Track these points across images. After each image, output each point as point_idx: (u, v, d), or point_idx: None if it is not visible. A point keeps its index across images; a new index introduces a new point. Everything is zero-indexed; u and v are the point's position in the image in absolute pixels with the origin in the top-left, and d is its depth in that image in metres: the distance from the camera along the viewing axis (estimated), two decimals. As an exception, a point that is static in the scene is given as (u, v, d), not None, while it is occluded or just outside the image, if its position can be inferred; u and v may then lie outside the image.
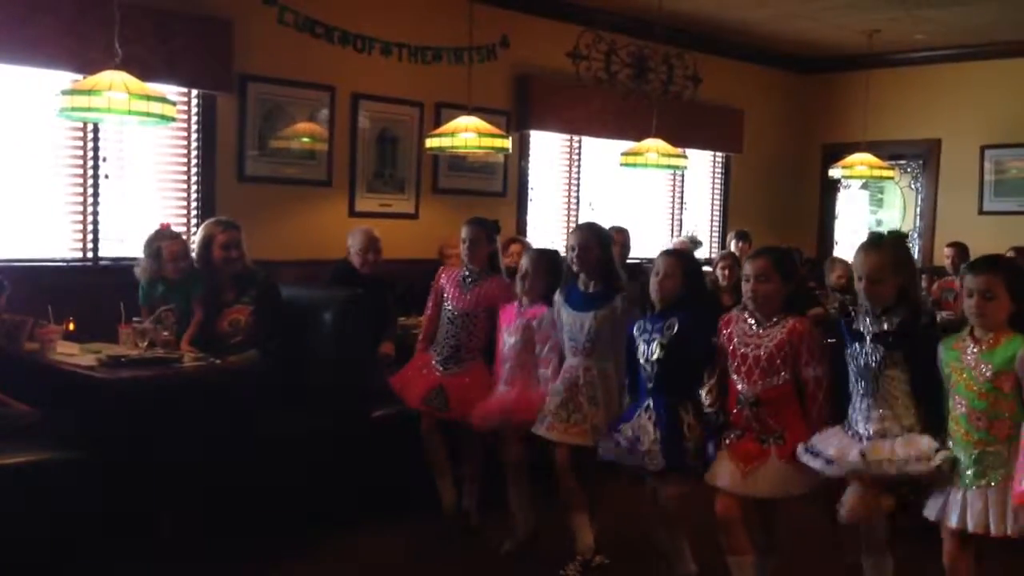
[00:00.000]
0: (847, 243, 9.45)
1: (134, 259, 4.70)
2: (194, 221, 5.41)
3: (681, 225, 8.57)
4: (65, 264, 5.02)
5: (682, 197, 8.60)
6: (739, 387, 3.46)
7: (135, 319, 4.43)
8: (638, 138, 6.72)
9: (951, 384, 3.05)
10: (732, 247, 7.88)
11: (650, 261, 7.44)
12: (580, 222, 4.16)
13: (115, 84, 3.74)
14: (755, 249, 3.78)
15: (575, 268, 4.01)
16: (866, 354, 3.21)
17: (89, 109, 3.84)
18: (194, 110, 5.47)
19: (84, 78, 4.11)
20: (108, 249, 5.11)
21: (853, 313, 3.37)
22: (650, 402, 3.62)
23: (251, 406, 4.21)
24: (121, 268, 4.78)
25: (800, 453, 3.30)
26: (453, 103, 6.16)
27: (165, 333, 4.32)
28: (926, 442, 3.07)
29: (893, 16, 7.16)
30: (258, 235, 5.22)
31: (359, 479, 4.47)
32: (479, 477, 4.46)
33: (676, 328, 3.59)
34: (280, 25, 5.57)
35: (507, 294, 4.32)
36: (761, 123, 8.90)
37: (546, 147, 7.42)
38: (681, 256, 3.83)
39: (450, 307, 4.43)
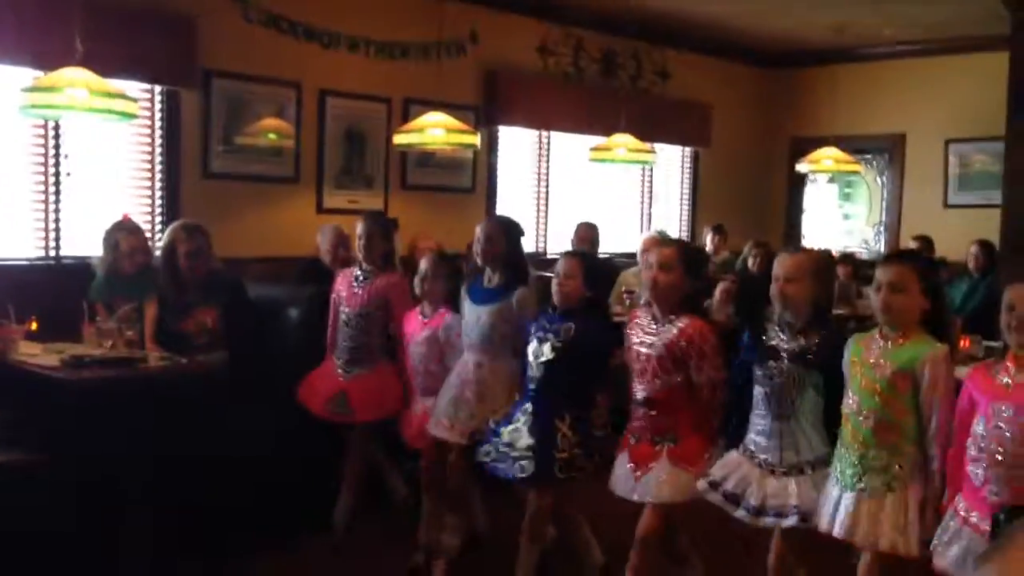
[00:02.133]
0: (814, 236, 9.53)
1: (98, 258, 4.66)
2: (159, 219, 5.36)
3: (650, 220, 8.60)
4: (27, 263, 4.96)
5: (651, 192, 8.63)
6: (634, 386, 3.35)
7: (97, 319, 4.38)
8: (607, 133, 6.74)
9: (848, 379, 2.89)
10: (708, 241, 7.93)
11: (623, 255, 7.54)
12: (490, 215, 4.05)
13: (76, 81, 3.70)
14: (664, 238, 3.69)
15: (479, 261, 3.87)
16: (780, 372, 3.03)
17: (50, 107, 3.80)
18: (158, 107, 5.41)
19: (45, 75, 4.05)
20: (70, 248, 5.05)
21: (765, 327, 3.16)
22: (530, 406, 3.53)
23: (218, 404, 4.17)
24: (84, 267, 4.72)
25: (701, 487, 3.16)
26: (421, 99, 6.14)
27: (129, 332, 4.27)
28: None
29: (860, 11, 7.21)
30: (224, 232, 5.18)
31: (329, 475, 4.44)
32: (362, 480, 4.37)
33: (573, 332, 3.48)
34: (245, 21, 5.52)
35: (401, 287, 4.23)
36: (729, 118, 8.94)
37: (515, 142, 7.41)
38: (584, 258, 3.71)
39: (345, 309, 4.30)
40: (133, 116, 4.08)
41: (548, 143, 7.62)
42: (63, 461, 3.79)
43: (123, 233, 4.56)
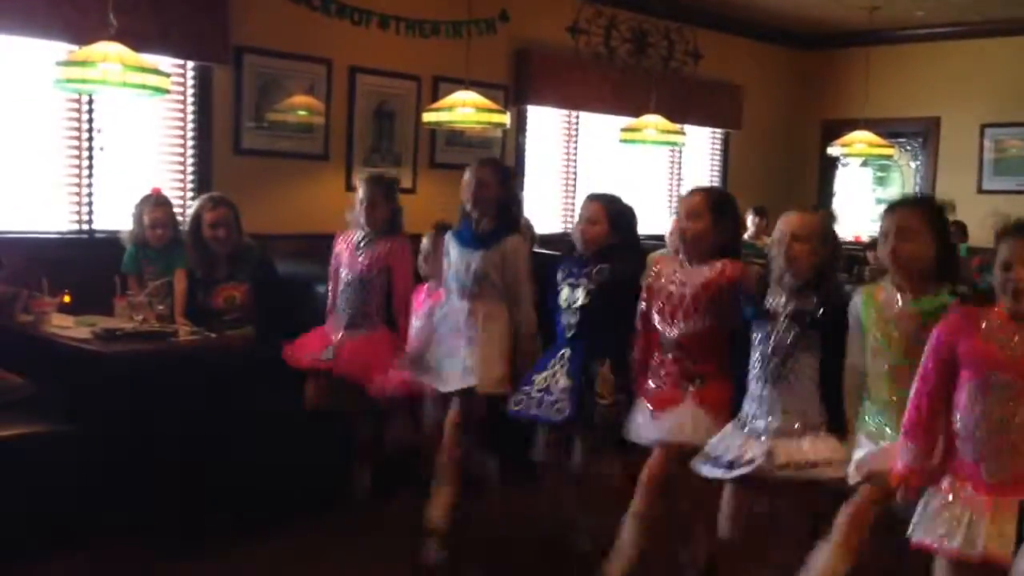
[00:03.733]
0: (846, 221, 9.44)
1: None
2: (190, 194, 5.39)
3: (679, 200, 8.53)
4: (60, 236, 5.00)
5: (680, 173, 8.58)
6: (660, 328, 3.26)
7: (129, 292, 4.43)
8: (637, 114, 6.69)
9: (870, 340, 2.74)
10: (749, 223, 7.85)
11: (651, 237, 7.49)
12: (482, 159, 3.90)
13: (109, 56, 3.71)
14: (692, 187, 3.55)
15: (468, 205, 3.76)
16: (778, 334, 2.95)
17: (83, 81, 3.81)
18: (190, 82, 5.43)
19: (79, 49, 4.07)
20: (103, 222, 5.09)
21: (765, 288, 3.07)
22: (567, 351, 3.46)
23: (246, 381, 4.20)
24: (116, 241, 4.76)
25: (697, 464, 3.05)
26: (451, 77, 6.12)
27: (160, 307, 4.31)
28: (834, 444, 2.84)
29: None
30: (254, 209, 5.20)
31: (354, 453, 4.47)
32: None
33: (606, 275, 3.41)
34: (277, -3, 5.53)
35: (403, 253, 4.12)
36: (760, 99, 8.86)
37: (544, 122, 7.38)
38: (607, 200, 3.59)
39: (344, 272, 4.23)
40: (166, 91, 4.09)
41: (577, 123, 7.58)
42: (93, 433, 3.84)
43: (148, 206, 4.60)
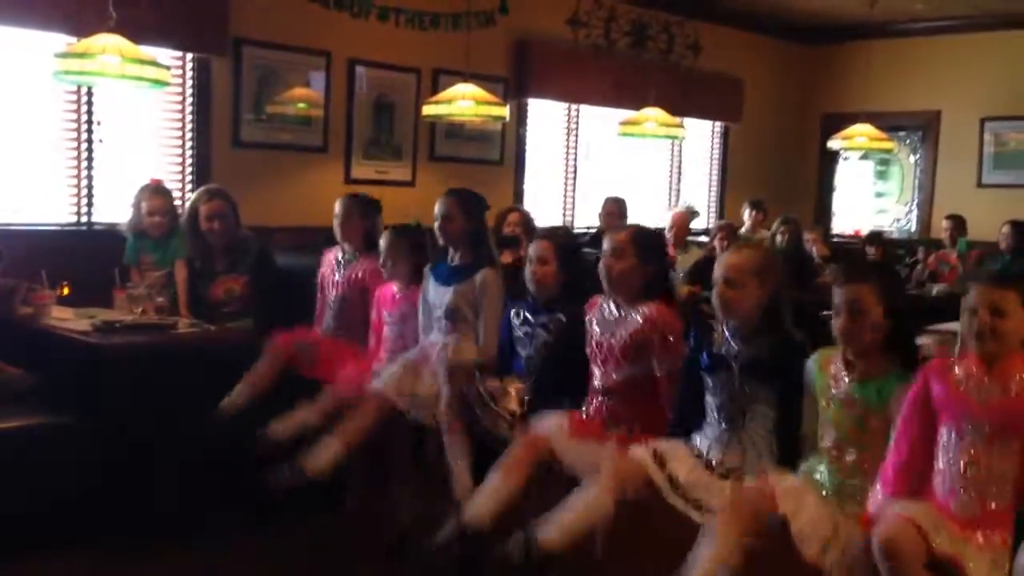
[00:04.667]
0: (845, 215, 9.44)
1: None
2: (189, 187, 5.39)
3: (679, 195, 8.55)
4: (59, 228, 5.00)
5: (680, 167, 8.57)
6: (594, 375, 3.15)
7: (129, 284, 4.43)
8: (636, 107, 6.69)
9: (818, 407, 2.66)
10: (746, 217, 7.84)
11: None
12: (449, 190, 3.86)
13: (108, 48, 3.70)
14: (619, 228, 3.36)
15: (440, 240, 3.74)
16: (732, 385, 2.80)
17: (82, 73, 3.81)
18: (188, 74, 5.42)
19: (78, 41, 4.06)
20: (102, 214, 5.09)
21: (712, 333, 2.93)
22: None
23: (244, 371, 4.20)
24: (115, 233, 4.76)
25: (643, 457, 2.85)
26: (450, 69, 6.11)
27: (160, 299, 4.32)
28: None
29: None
30: (253, 201, 5.20)
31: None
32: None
33: (562, 324, 3.31)
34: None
35: (380, 274, 4.05)
36: (760, 93, 8.85)
37: (544, 115, 7.38)
38: (555, 237, 3.46)
39: (332, 294, 4.22)
40: (165, 83, 4.09)
41: (577, 116, 7.57)
42: (92, 425, 3.84)
43: (147, 194, 4.61)
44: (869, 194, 9.37)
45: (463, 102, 5.48)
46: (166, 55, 5.03)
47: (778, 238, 7.08)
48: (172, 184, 5.28)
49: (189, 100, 5.44)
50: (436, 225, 3.73)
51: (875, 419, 2.55)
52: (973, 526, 2.35)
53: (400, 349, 3.88)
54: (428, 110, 5.69)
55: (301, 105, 5.89)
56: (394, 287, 3.97)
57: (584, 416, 3.21)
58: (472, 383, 3.42)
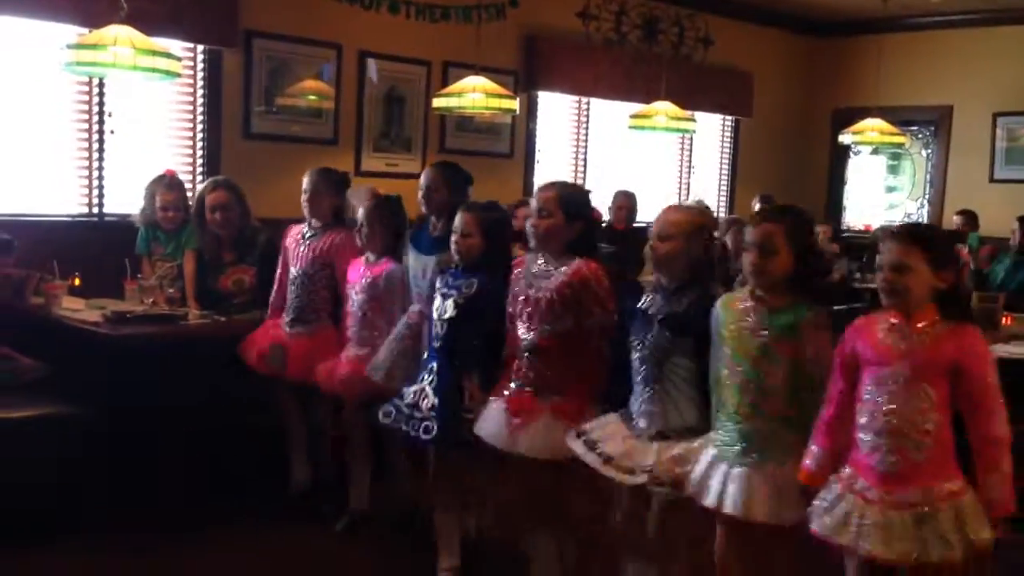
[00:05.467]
0: (856, 210, 9.41)
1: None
2: (199, 178, 5.40)
3: (689, 189, 8.53)
4: (71, 219, 5.02)
5: (690, 161, 8.55)
6: (520, 332, 3.19)
7: (139, 275, 4.45)
8: (647, 100, 6.67)
9: (725, 348, 2.72)
10: (755, 211, 7.80)
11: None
12: (434, 163, 3.84)
13: (120, 39, 3.70)
14: (544, 183, 3.39)
15: (423, 208, 3.77)
16: (652, 338, 2.88)
17: (94, 64, 3.81)
18: (199, 66, 5.43)
19: (90, 32, 4.07)
20: (113, 205, 5.11)
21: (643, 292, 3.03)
22: (435, 364, 3.40)
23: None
24: (126, 224, 4.78)
25: (571, 439, 3.00)
26: (461, 62, 6.10)
27: (170, 290, 4.34)
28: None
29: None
30: (263, 193, 5.22)
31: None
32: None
33: (475, 288, 3.34)
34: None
35: (349, 247, 4.00)
36: (772, 87, 8.82)
37: (554, 108, 7.37)
38: (480, 212, 3.46)
39: (292, 269, 4.15)
40: (176, 75, 4.09)
41: (587, 109, 7.56)
42: (102, 414, 3.86)
43: (161, 187, 4.62)
44: (880, 189, 9.33)
45: (473, 95, 5.47)
46: (177, 47, 5.03)
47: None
48: (183, 176, 5.28)
49: (200, 92, 5.45)
50: (420, 195, 3.76)
51: (782, 348, 2.63)
52: (898, 481, 2.41)
53: (363, 321, 3.85)
54: (438, 103, 5.68)
55: (311, 97, 5.90)
56: (363, 258, 3.91)
57: (511, 390, 3.21)
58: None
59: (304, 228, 4.18)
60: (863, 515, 2.41)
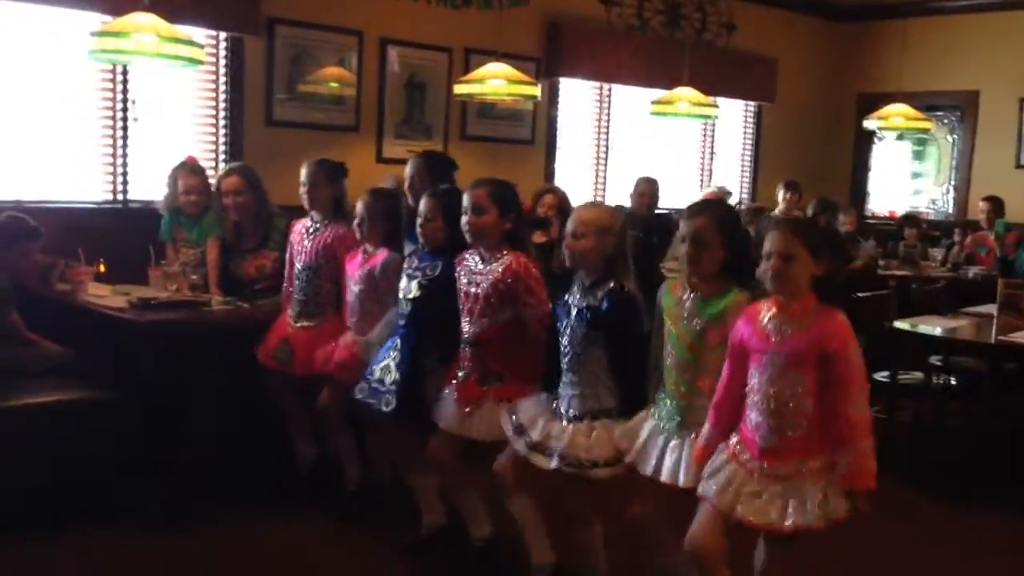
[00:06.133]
0: (880, 196, 9.33)
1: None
2: (222, 165, 5.42)
3: (711, 175, 8.49)
4: (96, 206, 5.06)
5: (712, 147, 8.51)
6: (463, 326, 3.36)
7: (163, 262, 4.48)
8: (669, 86, 6.64)
9: (665, 331, 2.93)
10: (779, 198, 7.77)
11: (678, 212, 7.44)
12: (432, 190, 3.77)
13: (144, 27, 3.72)
14: (474, 180, 3.51)
15: (409, 200, 3.84)
16: (571, 328, 3.05)
17: (118, 51, 3.83)
18: (222, 53, 5.46)
19: (113, 20, 4.09)
20: (137, 192, 5.14)
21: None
22: (398, 342, 3.54)
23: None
24: (150, 211, 4.81)
25: (504, 421, 3.19)
26: (482, 49, 6.09)
27: (194, 276, 4.37)
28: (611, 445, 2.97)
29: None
30: (285, 179, 5.20)
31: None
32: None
33: (439, 271, 3.48)
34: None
35: (351, 240, 4.00)
36: (795, 72, 8.75)
37: (576, 94, 7.34)
38: (441, 198, 3.55)
39: (297, 260, 4.16)
40: (200, 62, 4.11)
41: (609, 95, 7.53)
42: (129, 399, 3.90)
43: (183, 172, 4.64)
44: (905, 175, 9.25)
45: (495, 81, 5.47)
46: (200, 34, 5.06)
47: (821, 222, 6.98)
48: (206, 162, 5.32)
49: (223, 79, 5.47)
50: (406, 185, 3.78)
51: (712, 334, 2.82)
52: (775, 455, 2.62)
53: (362, 312, 3.87)
54: (460, 89, 5.68)
55: (333, 84, 5.91)
56: (361, 251, 3.93)
57: (459, 379, 3.38)
58: None
59: (307, 222, 4.19)
60: (742, 484, 2.64)
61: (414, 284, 3.52)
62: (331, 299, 4.09)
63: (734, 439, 2.71)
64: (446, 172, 3.89)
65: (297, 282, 4.13)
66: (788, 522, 2.56)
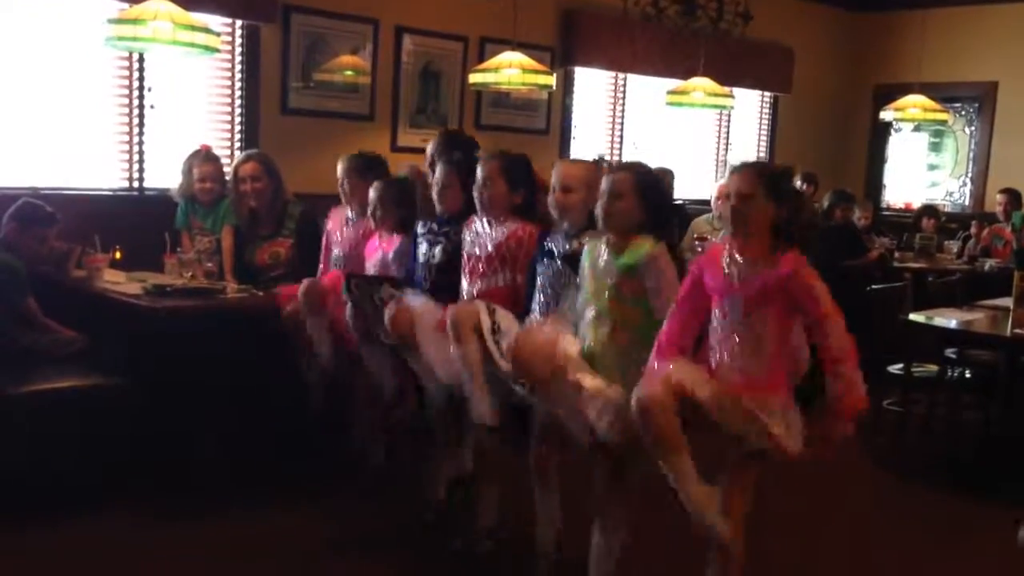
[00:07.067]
0: (897, 188, 9.28)
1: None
2: (237, 153, 5.43)
3: (726, 166, 8.46)
4: (112, 193, 5.08)
5: (728, 137, 8.48)
6: (463, 285, 3.48)
7: (179, 249, 4.50)
8: (685, 76, 6.62)
9: (582, 285, 3.02)
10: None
11: (697, 202, 7.43)
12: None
13: (160, 14, 3.73)
14: (488, 152, 3.67)
15: (431, 180, 3.88)
16: (553, 272, 3.19)
17: (134, 39, 3.83)
18: (238, 41, 5.46)
19: (130, 7, 4.10)
20: (153, 179, 5.16)
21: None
22: None
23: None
24: (166, 198, 4.84)
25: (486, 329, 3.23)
26: (497, 38, 6.09)
27: (208, 264, 4.39)
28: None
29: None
30: (300, 168, 5.25)
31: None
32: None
33: (461, 236, 3.57)
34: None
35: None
36: (811, 63, 8.70)
37: (591, 84, 7.32)
38: (457, 165, 3.68)
39: (336, 251, 4.28)
40: (215, 50, 4.11)
41: (624, 85, 7.51)
42: (144, 386, 3.92)
43: (198, 160, 4.67)
44: (922, 167, 9.20)
45: (510, 70, 5.46)
46: (216, 22, 5.06)
47: (837, 214, 6.96)
48: (221, 150, 5.33)
49: (238, 67, 5.47)
50: (436, 191, 3.79)
51: (627, 287, 2.90)
52: (736, 388, 2.65)
53: None
54: (474, 78, 5.67)
55: (348, 73, 5.91)
56: (376, 237, 4.05)
57: None
58: None
59: (347, 211, 4.29)
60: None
61: (438, 249, 3.62)
62: None
63: None
64: (466, 151, 3.91)
65: (334, 268, 4.25)
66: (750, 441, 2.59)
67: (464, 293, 3.46)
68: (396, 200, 3.96)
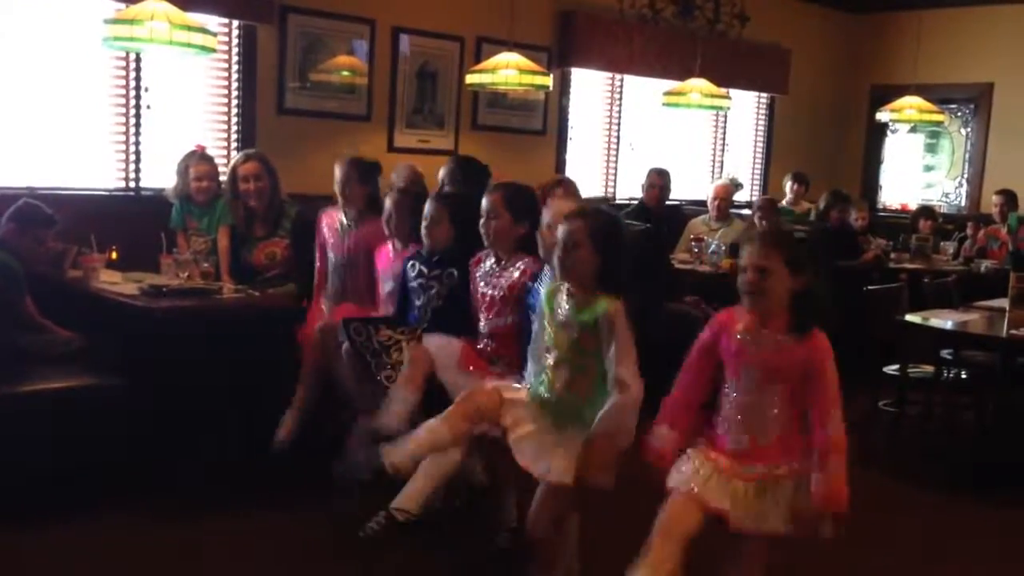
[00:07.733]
0: (893, 189, 9.29)
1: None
2: (234, 153, 5.43)
3: (723, 167, 8.47)
4: (108, 193, 5.07)
5: (724, 138, 8.49)
6: (480, 322, 3.52)
7: (175, 250, 4.50)
8: (682, 77, 6.63)
9: (541, 330, 2.92)
10: (787, 189, 7.75)
11: (694, 202, 7.44)
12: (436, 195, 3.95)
13: (157, 14, 3.73)
14: (491, 185, 3.63)
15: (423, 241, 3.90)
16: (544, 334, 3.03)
17: (131, 39, 3.84)
18: (235, 41, 5.46)
19: (127, 7, 4.10)
20: (150, 179, 5.16)
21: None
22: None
23: (286, 337, 4.26)
24: (162, 199, 4.83)
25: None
26: (494, 38, 6.09)
27: (205, 264, 4.38)
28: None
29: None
30: (296, 168, 5.25)
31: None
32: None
33: (456, 279, 3.63)
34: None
35: (383, 236, 4.14)
36: (808, 63, 8.71)
37: (587, 85, 7.33)
38: (449, 202, 3.70)
39: (332, 256, 4.32)
40: (212, 50, 4.11)
41: (621, 86, 7.51)
42: (140, 386, 3.92)
43: (193, 160, 4.67)
44: (918, 168, 9.21)
45: (506, 71, 5.47)
46: (213, 22, 5.06)
47: (833, 215, 6.96)
48: (218, 150, 5.34)
49: (235, 67, 5.47)
50: (423, 225, 3.77)
51: (587, 341, 2.80)
52: (745, 458, 2.64)
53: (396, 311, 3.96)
54: (471, 79, 5.67)
55: (345, 73, 5.91)
56: (391, 245, 4.07)
57: (474, 351, 3.52)
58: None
59: (340, 216, 4.29)
60: (712, 475, 2.63)
61: (432, 296, 3.67)
62: (369, 288, 4.23)
63: (701, 441, 2.72)
64: (479, 178, 3.95)
65: (333, 275, 4.31)
66: (767, 526, 2.55)
67: (482, 328, 3.51)
68: (412, 209, 3.97)
